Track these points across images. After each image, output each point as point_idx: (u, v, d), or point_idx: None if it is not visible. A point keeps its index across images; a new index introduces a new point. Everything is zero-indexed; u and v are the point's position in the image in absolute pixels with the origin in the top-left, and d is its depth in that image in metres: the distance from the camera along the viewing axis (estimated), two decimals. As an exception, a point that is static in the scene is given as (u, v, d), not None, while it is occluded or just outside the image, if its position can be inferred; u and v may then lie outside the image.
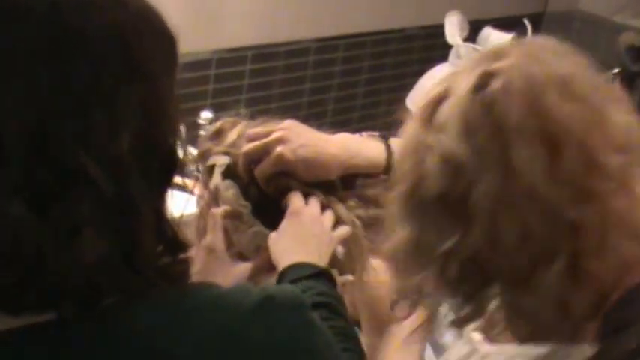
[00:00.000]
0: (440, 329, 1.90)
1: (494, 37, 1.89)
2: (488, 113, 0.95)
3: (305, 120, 1.41)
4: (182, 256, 0.91)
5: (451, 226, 0.98)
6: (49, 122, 0.81)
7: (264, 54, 3.17)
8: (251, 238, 1.31)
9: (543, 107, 0.95)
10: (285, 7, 3.18)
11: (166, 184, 0.90)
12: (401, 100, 2.29)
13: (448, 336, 1.89)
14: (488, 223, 0.96)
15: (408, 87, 2.49)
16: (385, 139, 1.40)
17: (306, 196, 1.31)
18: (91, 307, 0.84)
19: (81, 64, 0.82)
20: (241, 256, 1.32)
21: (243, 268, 1.30)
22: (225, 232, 1.32)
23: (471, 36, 2.10)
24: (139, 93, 0.85)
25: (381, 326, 1.85)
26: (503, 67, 0.97)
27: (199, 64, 3.02)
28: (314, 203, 1.31)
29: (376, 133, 1.43)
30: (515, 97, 0.95)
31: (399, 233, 1.04)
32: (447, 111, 0.98)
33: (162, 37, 0.90)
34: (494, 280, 0.99)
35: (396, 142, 1.35)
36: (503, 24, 2.00)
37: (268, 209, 1.31)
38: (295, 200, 1.30)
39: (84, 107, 0.82)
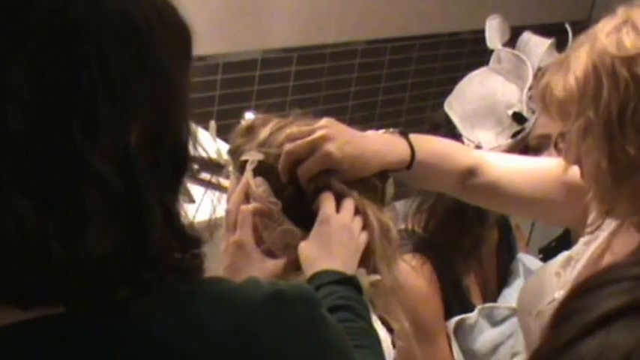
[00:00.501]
0: (472, 335, 1.87)
1: (533, 42, 1.86)
2: None
3: (351, 123, 1.40)
4: (195, 251, 0.90)
5: None
6: (55, 115, 0.79)
7: (310, 55, 3.17)
8: (280, 236, 1.30)
9: None
10: (331, 9, 3.17)
11: (177, 178, 0.89)
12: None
13: (479, 343, 1.87)
14: None
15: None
16: (405, 135, 1.43)
17: (341, 196, 1.31)
18: (100, 302, 0.83)
19: (88, 55, 0.80)
20: (271, 253, 1.31)
21: (272, 265, 1.29)
22: (256, 228, 1.31)
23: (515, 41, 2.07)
24: (149, 86, 0.83)
25: (422, 332, 1.84)
26: None
27: (244, 65, 3.03)
28: (347, 208, 1.31)
29: (396, 130, 1.45)
30: None
31: (599, 156, 1.25)
32: (634, 34, 1.23)
33: (175, 30, 0.88)
34: None
35: (419, 139, 1.43)
36: (548, 31, 1.96)
37: (301, 208, 1.30)
38: (326, 207, 1.29)
39: (91, 100, 0.80)
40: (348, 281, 1.25)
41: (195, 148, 0.89)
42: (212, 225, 0.94)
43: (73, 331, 0.84)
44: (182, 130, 0.88)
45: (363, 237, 1.31)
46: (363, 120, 3.35)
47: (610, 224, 1.43)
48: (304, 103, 3.15)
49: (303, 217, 1.30)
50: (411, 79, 3.56)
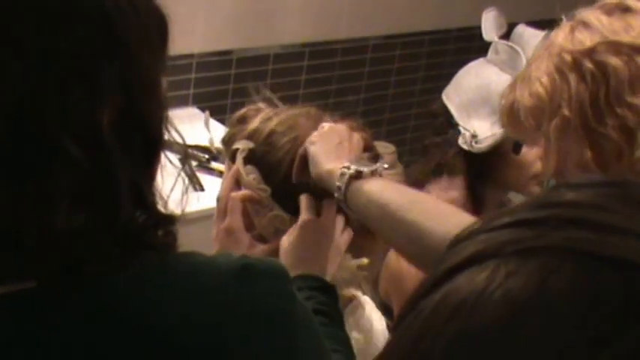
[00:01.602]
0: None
1: (528, 34, 1.89)
2: None
3: (362, 116, 1.43)
4: (168, 229, 0.90)
5: None
6: (26, 98, 0.80)
7: (321, 51, 3.19)
8: (270, 222, 1.32)
9: None
10: (343, 5, 3.18)
11: (152, 160, 0.89)
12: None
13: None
14: None
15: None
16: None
17: (321, 196, 1.32)
18: (71, 277, 0.84)
19: (60, 39, 0.81)
20: (262, 239, 1.33)
21: (262, 250, 1.30)
22: (247, 214, 1.32)
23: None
24: (121, 70, 0.84)
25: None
26: None
27: (257, 60, 3.07)
28: (327, 209, 1.32)
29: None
30: None
31: (581, 151, 1.21)
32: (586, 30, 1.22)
33: (148, 16, 0.88)
34: None
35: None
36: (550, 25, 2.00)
37: (290, 194, 1.31)
38: (305, 211, 1.30)
39: (62, 83, 0.81)
40: (327, 289, 1.25)
41: (169, 133, 0.90)
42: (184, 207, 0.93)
43: (45, 306, 0.84)
44: (155, 113, 0.88)
45: (345, 237, 1.33)
46: (373, 112, 3.39)
47: None
48: (316, 97, 3.22)
49: (293, 203, 1.31)
50: (422, 72, 3.58)
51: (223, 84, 3.02)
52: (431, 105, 2.15)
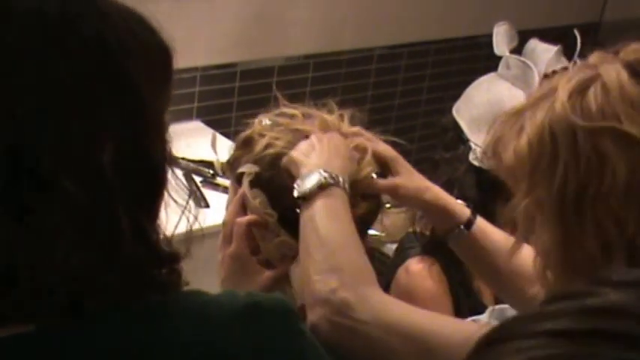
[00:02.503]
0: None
1: (540, 49, 1.85)
2: None
3: (368, 127, 1.40)
4: (173, 267, 0.88)
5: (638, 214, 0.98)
6: (25, 134, 0.79)
7: (326, 62, 3.16)
8: (276, 247, 1.28)
9: None
10: (347, 16, 3.14)
11: (154, 197, 0.87)
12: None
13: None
14: None
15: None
16: None
17: None
18: (71, 318, 0.82)
19: (60, 75, 0.79)
20: (268, 263, 1.30)
21: (268, 276, 1.27)
22: (253, 239, 1.29)
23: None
24: (121, 107, 0.82)
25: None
26: None
27: (261, 72, 3.03)
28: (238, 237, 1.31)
29: None
30: None
31: (553, 242, 1.02)
32: (602, 97, 0.99)
33: (151, 51, 0.86)
34: None
35: None
36: (561, 33, 1.96)
37: (297, 219, 1.25)
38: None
39: (62, 119, 0.79)
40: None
41: (172, 170, 0.88)
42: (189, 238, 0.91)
43: (45, 348, 0.82)
44: (156, 149, 0.86)
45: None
46: (379, 123, 3.35)
47: None
48: (321, 109, 3.17)
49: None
50: (428, 82, 3.54)
51: (227, 97, 2.98)
52: (438, 115, 2.11)
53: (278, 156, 1.30)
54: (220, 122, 2.95)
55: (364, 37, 3.24)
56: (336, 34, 3.16)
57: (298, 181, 1.23)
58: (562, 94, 1.01)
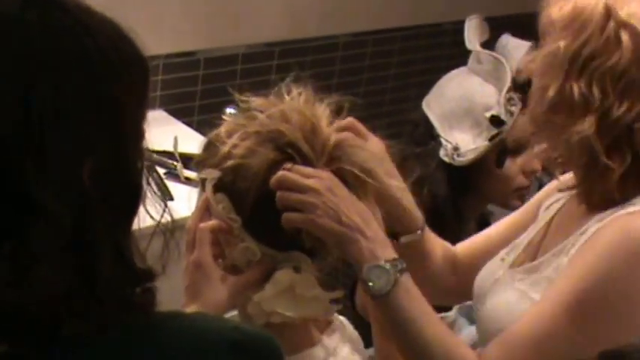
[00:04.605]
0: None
1: (512, 45, 1.81)
2: None
3: (334, 115, 1.36)
4: (147, 285, 0.87)
5: (619, 96, 1.25)
6: (6, 156, 0.76)
7: (291, 49, 3.10)
8: (242, 253, 1.24)
9: None
10: (313, 3, 3.09)
11: (130, 213, 0.85)
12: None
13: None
14: None
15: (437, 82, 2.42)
16: None
17: None
18: (47, 341, 0.79)
19: (41, 90, 0.77)
20: (235, 268, 1.25)
21: (232, 283, 1.23)
22: (218, 244, 1.25)
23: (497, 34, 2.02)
24: (103, 121, 0.80)
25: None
26: None
27: (226, 60, 2.96)
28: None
29: None
30: None
31: (550, 84, 1.29)
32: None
33: (131, 63, 0.85)
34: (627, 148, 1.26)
35: None
36: (529, 20, 1.92)
37: (262, 223, 1.24)
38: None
39: (44, 139, 0.77)
40: None
41: (148, 183, 0.86)
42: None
43: None
44: (136, 165, 0.84)
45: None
46: (346, 111, 3.29)
47: (549, 211, 1.45)
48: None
49: (265, 232, 1.24)
50: (394, 70, 3.49)
51: (191, 85, 2.91)
52: (404, 103, 2.07)
53: (239, 159, 1.24)
54: (183, 111, 2.88)
55: (329, 25, 3.18)
56: (301, 22, 3.09)
57: (365, 276, 1.24)
58: None
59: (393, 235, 1.41)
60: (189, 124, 2.82)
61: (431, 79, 2.05)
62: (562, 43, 1.27)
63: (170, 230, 0.91)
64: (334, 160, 1.25)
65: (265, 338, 0.91)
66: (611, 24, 1.26)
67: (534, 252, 1.41)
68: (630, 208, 1.27)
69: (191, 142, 2.60)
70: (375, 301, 1.27)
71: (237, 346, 0.86)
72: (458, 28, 3.26)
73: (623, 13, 1.26)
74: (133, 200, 0.85)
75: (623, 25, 1.25)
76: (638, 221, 1.25)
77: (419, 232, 1.45)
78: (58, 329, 0.80)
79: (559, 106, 1.27)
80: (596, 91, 1.25)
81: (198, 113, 2.94)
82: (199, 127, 2.80)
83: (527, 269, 1.37)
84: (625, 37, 1.25)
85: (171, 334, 0.85)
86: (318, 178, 1.23)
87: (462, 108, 1.84)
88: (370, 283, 1.24)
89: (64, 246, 0.78)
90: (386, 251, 1.25)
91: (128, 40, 0.85)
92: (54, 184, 0.77)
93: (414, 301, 1.26)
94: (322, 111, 1.28)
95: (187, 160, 2.41)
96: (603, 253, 1.24)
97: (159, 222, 0.88)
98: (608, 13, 1.26)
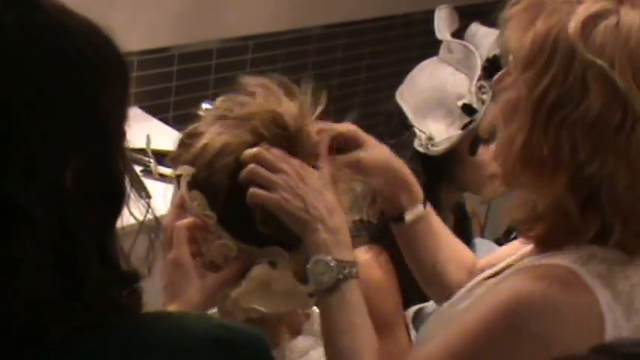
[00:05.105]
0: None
1: (481, 33, 1.82)
2: None
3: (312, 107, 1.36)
4: (133, 286, 0.86)
5: (591, 151, 1.06)
6: None
7: (265, 43, 3.10)
8: (219, 249, 1.24)
9: None
10: (283, -5, 3.11)
11: (114, 216, 0.85)
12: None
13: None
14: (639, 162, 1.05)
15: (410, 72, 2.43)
16: None
17: None
18: (34, 345, 0.79)
19: (23, 93, 0.76)
20: (213, 265, 1.25)
21: (211, 280, 1.23)
22: (195, 241, 1.25)
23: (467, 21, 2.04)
24: (84, 124, 0.80)
25: (380, 325, 1.80)
26: None
27: (200, 55, 2.96)
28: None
29: None
30: None
31: (516, 136, 1.10)
32: (609, 36, 1.05)
33: (111, 63, 0.84)
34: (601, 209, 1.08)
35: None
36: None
37: (237, 219, 1.24)
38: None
39: (25, 142, 0.76)
40: None
41: (132, 185, 0.85)
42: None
43: None
44: (118, 165, 0.84)
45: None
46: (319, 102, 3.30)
47: None
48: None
49: (240, 227, 1.24)
50: (366, 61, 3.50)
51: (165, 82, 2.90)
52: (377, 94, 2.08)
53: (212, 155, 1.25)
54: (159, 107, 2.88)
55: (302, 18, 3.18)
56: (273, 15, 3.09)
57: (310, 267, 1.20)
58: (581, 14, 1.07)
59: (398, 217, 1.40)
60: (164, 121, 2.82)
61: (403, 69, 2.06)
62: (523, 90, 1.10)
63: (154, 230, 0.92)
64: (311, 156, 1.26)
65: (252, 334, 0.91)
66: (576, 64, 1.06)
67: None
68: (544, 260, 1.14)
69: (167, 138, 2.61)
70: (315, 295, 1.23)
71: (224, 342, 0.86)
72: (428, 18, 3.28)
73: (589, 48, 1.05)
74: (116, 201, 0.84)
75: (590, 65, 1.05)
76: (532, 283, 1.09)
77: (421, 206, 1.40)
78: (44, 333, 0.79)
79: (527, 162, 1.11)
80: (565, 144, 1.07)
81: (173, 109, 2.94)
82: (175, 124, 2.80)
83: (461, 294, 1.30)
84: (592, 80, 1.05)
85: (159, 335, 0.84)
86: (291, 165, 1.23)
87: (435, 98, 1.85)
88: (312, 276, 1.20)
89: (47, 250, 0.78)
90: (341, 251, 1.21)
91: (107, 41, 0.84)
92: (36, 187, 0.77)
93: (346, 309, 1.20)
94: (298, 105, 1.28)
95: (162, 156, 2.41)
96: (489, 316, 1.11)
97: (142, 222, 0.88)
98: (572, 50, 1.06)
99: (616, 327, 1.09)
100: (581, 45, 1.06)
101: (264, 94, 1.28)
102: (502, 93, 1.16)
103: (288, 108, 1.25)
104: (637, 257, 1.13)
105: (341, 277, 1.20)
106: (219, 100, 1.32)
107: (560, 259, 1.12)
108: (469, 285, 1.31)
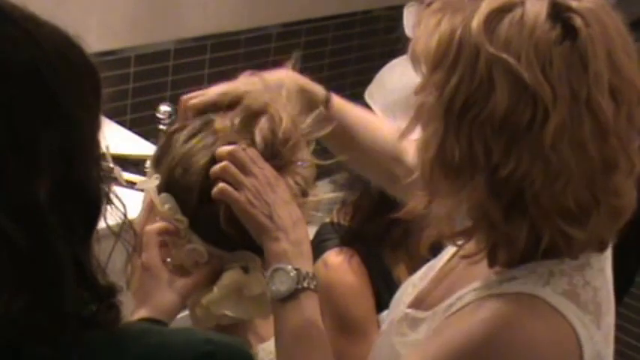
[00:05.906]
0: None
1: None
2: (573, 51, 1.01)
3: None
4: (111, 301, 0.85)
5: (505, 151, 1.02)
6: None
7: (224, 42, 3.05)
8: (188, 254, 1.22)
9: (616, 63, 1.03)
10: (243, -6, 3.07)
11: (90, 229, 0.83)
12: (366, 83, 2.20)
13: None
14: (555, 158, 1.01)
15: (373, 69, 2.39)
16: None
17: None
18: None
19: None
20: (183, 270, 1.24)
21: (181, 284, 1.22)
22: (166, 246, 1.24)
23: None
24: (57, 136, 0.78)
25: (353, 328, 1.77)
26: (581, 8, 1.03)
27: (157, 56, 2.90)
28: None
29: None
30: (598, 45, 1.02)
31: (431, 141, 1.06)
32: (514, 29, 1.01)
33: (82, 73, 0.83)
34: (525, 211, 1.04)
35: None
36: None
37: (208, 223, 1.22)
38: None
39: None
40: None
41: (108, 198, 0.84)
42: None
43: None
44: (92, 177, 0.82)
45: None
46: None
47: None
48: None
49: (211, 231, 1.22)
50: (328, 59, 3.46)
51: (122, 84, 2.84)
52: (340, 92, 2.04)
53: (183, 158, 1.23)
54: (115, 110, 2.81)
55: (260, 16, 3.14)
56: (231, 14, 3.05)
57: (269, 275, 1.18)
58: (484, 10, 1.03)
59: None
60: (121, 124, 2.75)
61: (366, 66, 2.03)
62: (434, 93, 1.06)
63: (132, 242, 0.91)
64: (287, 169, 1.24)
65: (237, 348, 0.91)
66: (482, 61, 1.01)
67: (428, 294, 1.27)
68: (505, 286, 1.09)
69: (125, 141, 2.54)
70: (271, 303, 1.20)
71: (210, 357, 0.85)
72: (390, 14, 3.24)
73: (494, 43, 1.01)
74: (92, 214, 0.83)
75: (495, 61, 1.00)
76: (500, 322, 1.05)
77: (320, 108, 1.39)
78: (19, 351, 0.78)
79: (444, 167, 1.06)
80: (478, 146, 1.02)
81: (130, 112, 2.87)
82: (132, 126, 2.74)
83: (410, 323, 1.23)
84: (498, 76, 1.00)
85: (141, 354, 0.83)
86: (264, 170, 1.20)
87: (405, 98, 1.81)
88: (270, 285, 1.17)
89: (22, 267, 0.76)
90: (301, 262, 1.18)
91: (78, 50, 0.83)
92: (9, 204, 0.75)
93: (302, 320, 1.17)
94: (292, 117, 1.27)
95: (122, 161, 2.34)
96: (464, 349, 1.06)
97: (119, 234, 0.87)
98: (476, 47, 1.01)
99: (592, 340, 1.07)
100: (485, 41, 1.01)
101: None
102: (416, 98, 1.12)
103: (286, 116, 1.25)
104: (581, 256, 1.10)
105: (300, 287, 1.17)
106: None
107: (521, 285, 1.08)
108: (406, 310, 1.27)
